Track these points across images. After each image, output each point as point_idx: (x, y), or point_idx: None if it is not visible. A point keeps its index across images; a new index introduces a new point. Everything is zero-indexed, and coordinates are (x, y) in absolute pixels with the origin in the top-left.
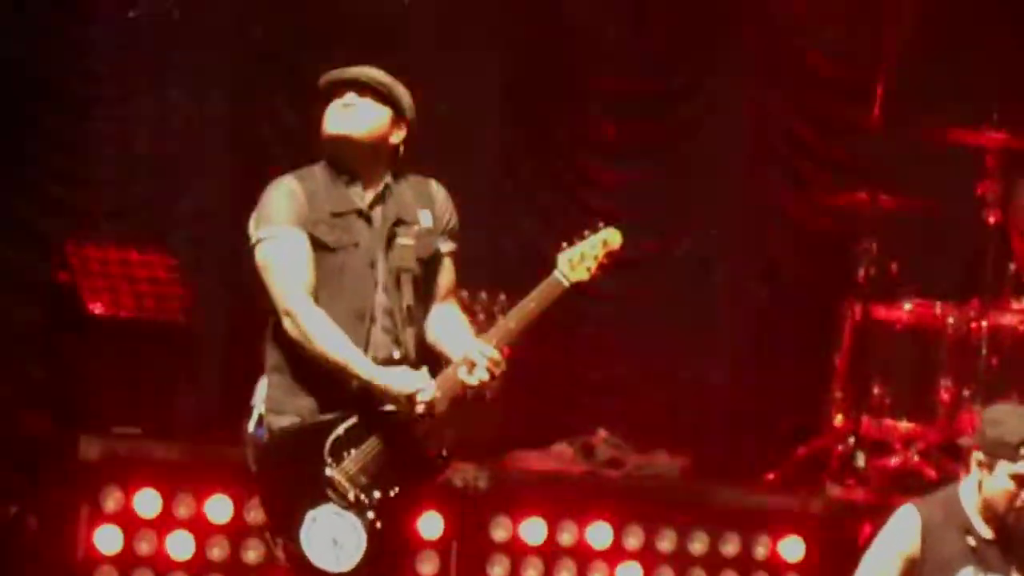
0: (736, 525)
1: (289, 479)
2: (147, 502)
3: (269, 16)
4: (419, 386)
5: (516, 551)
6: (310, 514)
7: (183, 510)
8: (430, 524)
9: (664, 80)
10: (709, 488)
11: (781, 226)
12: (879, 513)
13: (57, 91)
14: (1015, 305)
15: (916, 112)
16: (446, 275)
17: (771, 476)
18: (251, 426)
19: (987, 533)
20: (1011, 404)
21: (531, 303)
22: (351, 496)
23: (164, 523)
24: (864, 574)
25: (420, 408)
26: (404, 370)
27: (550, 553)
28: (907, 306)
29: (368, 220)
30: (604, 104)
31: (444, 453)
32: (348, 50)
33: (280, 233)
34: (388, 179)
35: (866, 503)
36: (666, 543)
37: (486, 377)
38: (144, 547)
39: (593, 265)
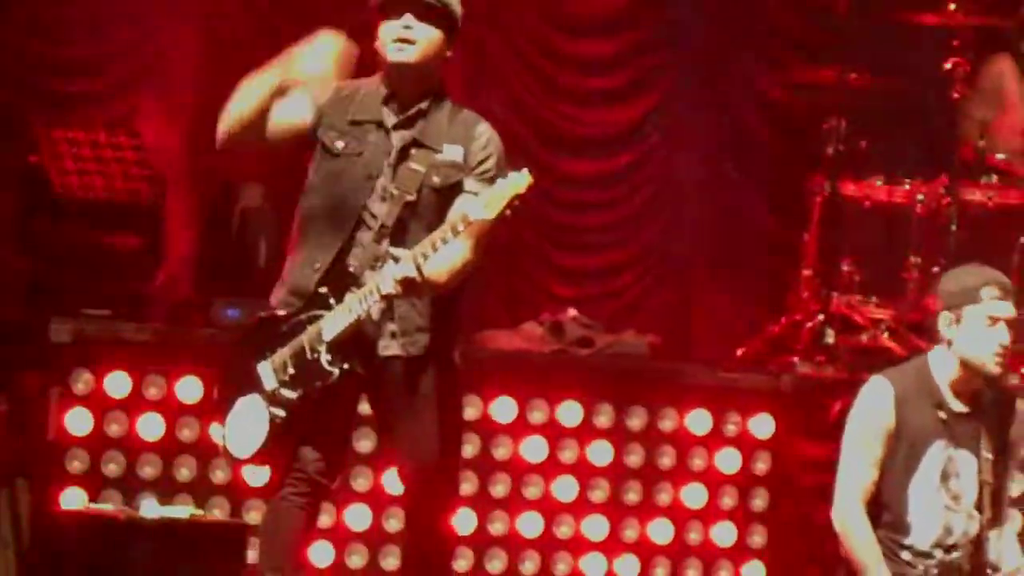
0: (706, 402)
1: (237, 365)
2: (117, 384)
3: None
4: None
5: (486, 430)
6: (240, 400)
7: (153, 391)
8: None
9: None
10: (679, 366)
11: (751, 103)
12: (849, 390)
13: None
14: (983, 181)
15: None
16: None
17: (740, 353)
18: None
19: (958, 407)
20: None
21: (440, 233)
22: (269, 388)
23: (134, 404)
24: (849, 454)
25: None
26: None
27: (520, 432)
28: (877, 183)
29: (386, 132)
30: None
31: (344, 367)
32: None
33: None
34: (426, 102)
35: (835, 380)
36: (636, 421)
37: (391, 289)
38: (115, 428)
39: (500, 206)
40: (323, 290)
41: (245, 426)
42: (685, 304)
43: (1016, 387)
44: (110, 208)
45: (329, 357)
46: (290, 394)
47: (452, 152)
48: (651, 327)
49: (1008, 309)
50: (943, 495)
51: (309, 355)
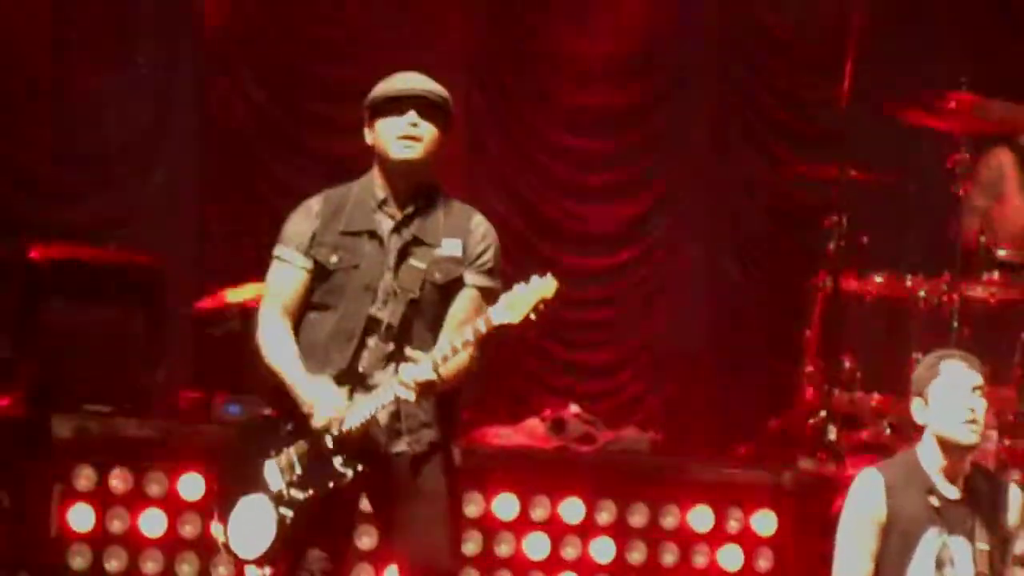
0: (708, 499)
1: (241, 464)
2: (119, 480)
3: None
4: (331, 410)
5: (488, 527)
6: (243, 500)
7: (155, 488)
8: None
9: (633, 49)
10: (681, 463)
11: (752, 201)
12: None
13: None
14: (985, 277)
15: (886, 83)
16: (463, 306)
17: (743, 450)
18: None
19: (949, 493)
20: None
21: (464, 336)
22: (276, 489)
23: (136, 501)
24: (843, 548)
25: (322, 421)
26: (331, 391)
27: (523, 529)
28: (878, 279)
29: (380, 241)
30: (572, 75)
31: (358, 468)
32: (315, 24)
33: (283, 254)
34: (422, 199)
35: (838, 477)
36: (638, 518)
37: (410, 397)
38: (117, 525)
39: (525, 310)
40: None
41: (250, 526)
42: (686, 400)
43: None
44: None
45: (342, 458)
46: (299, 495)
47: (451, 247)
48: (652, 423)
49: (971, 376)
50: None
51: (320, 456)
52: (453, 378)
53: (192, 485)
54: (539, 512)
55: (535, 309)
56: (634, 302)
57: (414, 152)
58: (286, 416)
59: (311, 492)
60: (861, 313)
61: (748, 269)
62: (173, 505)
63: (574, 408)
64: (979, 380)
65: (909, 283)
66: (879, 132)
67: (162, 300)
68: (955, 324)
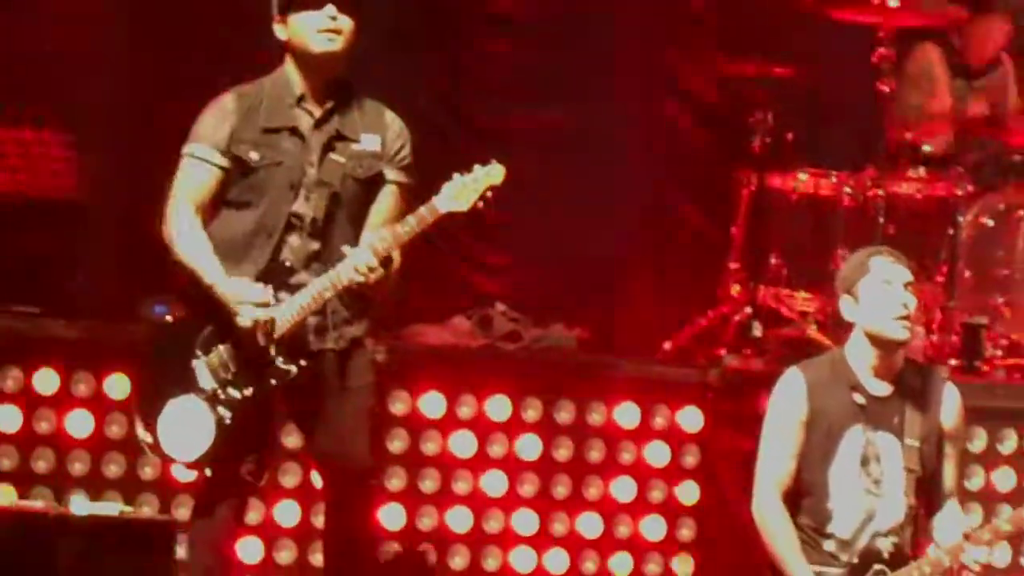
0: (634, 396)
1: (164, 364)
2: (46, 381)
3: None
4: (255, 298)
5: (415, 425)
6: (171, 401)
7: (82, 388)
8: None
9: None
10: (607, 360)
11: (676, 97)
12: (776, 383)
13: None
14: (911, 174)
15: None
16: (387, 203)
17: (668, 347)
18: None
19: (876, 390)
20: None
21: (406, 226)
22: (208, 388)
23: (63, 401)
24: (765, 447)
25: (248, 322)
26: (254, 289)
27: (449, 426)
28: (802, 176)
29: (301, 137)
30: None
31: (300, 363)
32: None
33: (197, 151)
34: (338, 96)
35: (763, 373)
36: (564, 415)
37: (358, 277)
38: (44, 426)
39: (474, 197)
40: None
41: (184, 427)
42: (612, 298)
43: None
44: (37, 205)
45: (283, 356)
46: (237, 393)
47: (370, 142)
48: (578, 321)
49: (902, 273)
50: (863, 480)
51: (256, 354)
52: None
53: (119, 385)
54: (465, 410)
55: (483, 196)
56: (558, 202)
57: (336, 45)
58: (208, 315)
59: (250, 391)
60: (786, 210)
61: (672, 167)
62: (100, 405)
63: (500, 306)
64: (909, 276)
65: (834, 180)
66: (802, 28)
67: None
68: (881, 221)
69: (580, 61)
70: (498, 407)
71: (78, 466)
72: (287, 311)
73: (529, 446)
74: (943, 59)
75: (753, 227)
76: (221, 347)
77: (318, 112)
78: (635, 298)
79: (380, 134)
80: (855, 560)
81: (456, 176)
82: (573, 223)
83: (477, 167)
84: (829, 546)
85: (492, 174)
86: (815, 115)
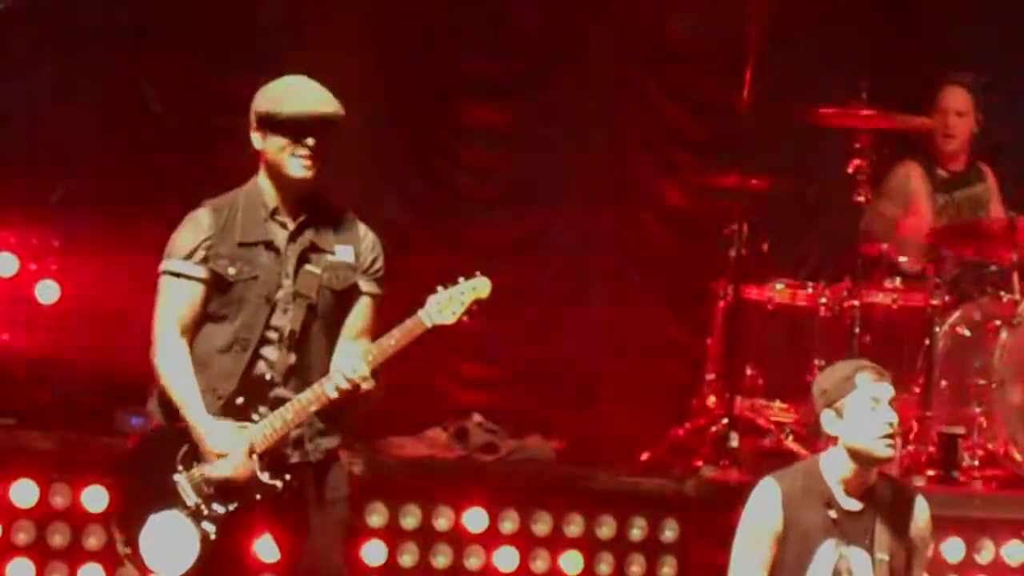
0: (611, 507)
1: (144, 478)
2: (24, 492)
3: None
4: (225, 450)
5: (393, 537)
6: (153, 516)
7: (59, 500)
8: None
9: (533, 62)
10: (584, 471)
11: (651, 208)
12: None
13: None
14: (887, 284)
15: (786, 91)
16: (361, 314)
17: (645, 458)
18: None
19: (849, 505)
20: None
21: (392, 339)
22: (192, 504)
23: (41, 513)
24: (737, 557)
25: (221, 473)
26: (227, 429)
27: (426, 538)
28: (779, 286)
29: (276, 251)
30: (473, 87)
31: (286, 478)
32: (218, 41)
33: (176, 267)
34: (311, 208)
35: (740, 484)
36: (542, 527)
37: (345, 385)
38: (22, 537)
39: (460, 311)
40: (240, 401)
41: (168, 542)
42: (589, 409)
43: (915, 486)
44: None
45: (268, 472)
46: (220, 509)
47: (344, 253)
48: (555, 432)
49: (887, 390)
50: None
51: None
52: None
53: (96, 497)
54: (442, 522)
55: (468, 310)
56: (533, 312)
57: (311, 172)
58: (186, 432)
59: (234, 506)
60: (762, 320)
61: (648, 278)
62: (77, 517)
63: (477, 417)
64: (893, 392)
65: (810, 290)
66: (778, 139)
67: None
68: (857, 331)
69: (554, 168)
70: (475, 519)
71: None
72: (269, 425)
73: (507, 558)
74: (924, 176)
75: (729, 338)
76: (203, 464)
77: (291, 225)
78: (612, 409)
79: (354, 245)
80: None
81: (440, 289)
82: (547, 333)
83: (462, 280)
84: None
85: (478, 288)
86: (791, 225)
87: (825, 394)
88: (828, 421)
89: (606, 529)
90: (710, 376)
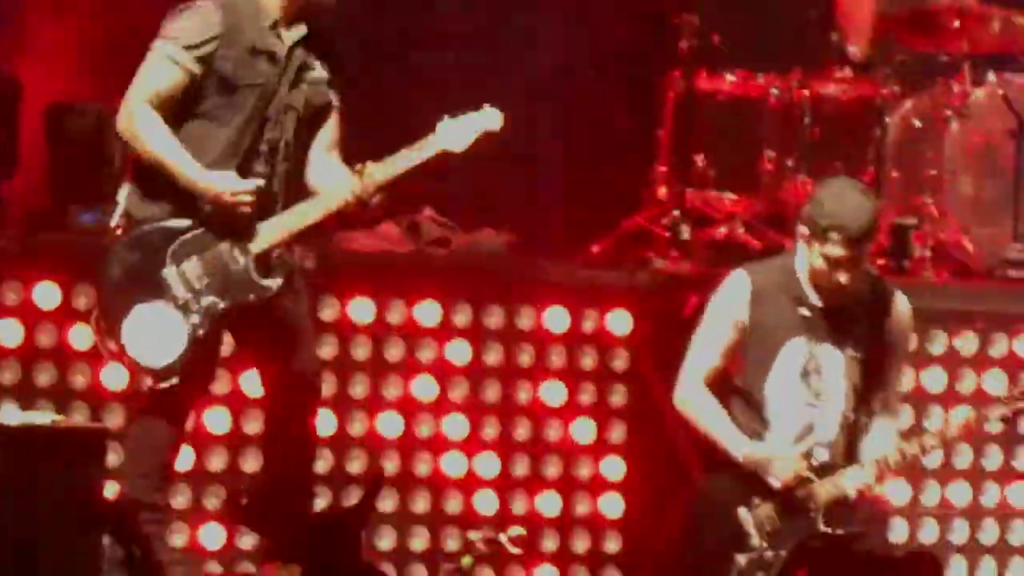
0: (563, 300)
1: (129, 273)
2: None
3: None
4: (241, 187)
5: (344, 331)
6: (138, 307)
7: (11, 297)
8: None
9: None
10: (535, 264)
11: (604, 1)
12: (704, 285)
13: None
14: (837, 74)
15: None
16: (333, 127)
17: (596, 250)
18: (112, 219)
19: (821, 302)
20: (846, 180)
21: (402, 159)
22: (181, 297)
23: None
24: (697, 340)
25: (239, 203)
26: (228, 174)
27: (379, 332)
28: (729, 77)
29: (276, 62)
30: None
31: (278, 282)
32: None
33: (172, 52)
34: (301, 24)
35: (691, 275)
36: (494, 319)
37: (359, 194)
38: None
39: (469, 140)
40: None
41: (154, 333)
42: (540, 202)
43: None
44: None
45: (258, 273)
46: (211, 304)
47: (321, 69)
48: (506, 225)
49: (851, 255)
50: (803, 391)
51: (233, 267)
52: None
53: (48, 294)
54: (395, 316)
55: (476, 139)
56: (482, 98)
57: None
58: (187, 226)
59: (227, 304)
60: (713, 112)
61: (599, 70)
62: (29, 315)
63: (428, 211)
64: (851, 253)
65: (761, 81)
66: None
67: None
68: (807, 122)
69: None
70: (428, 312)
71: (8, 375)
72: (271, 229)
73: (459, 351)
74: None
75: (680, 129)
76: (196, 257)
77: (290, 39)
78: (563, 202)
79: (328, 61)
80: None
81: (458, 116)
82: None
83: (472, 113)
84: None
85: (491, 120)
86: (743, 16)
87: (808, 218)
88: (801, 234)
89: (558, 321)
90: (661, 167)
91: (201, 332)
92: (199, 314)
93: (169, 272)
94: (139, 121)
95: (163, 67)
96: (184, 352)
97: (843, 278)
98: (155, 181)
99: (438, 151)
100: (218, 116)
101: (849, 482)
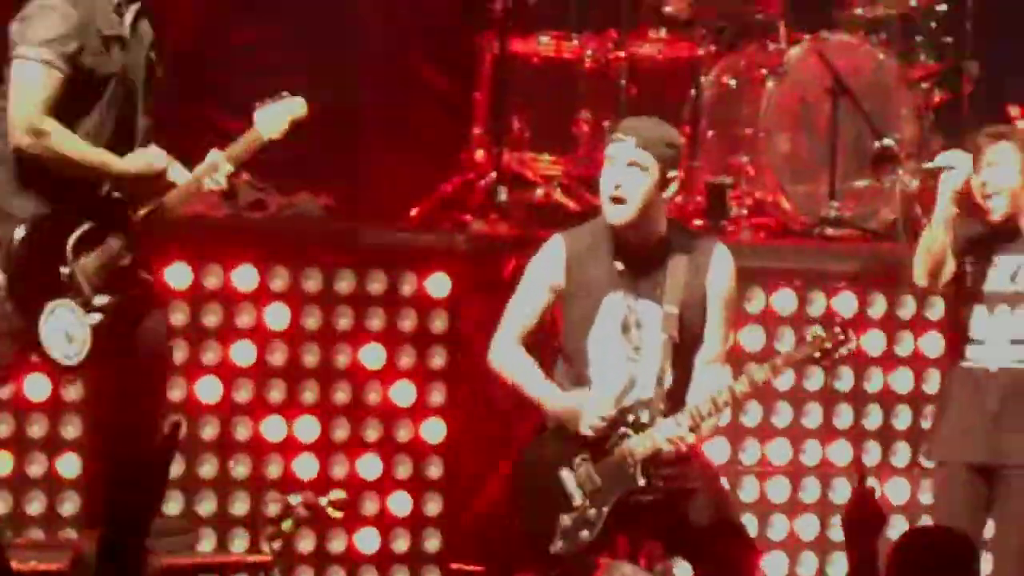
0: (381, 263)
1: (33, 271)
2: None
3: None
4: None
5: (162, 296)
6: (48, 305)
7: None
8: None
9: None
10: (353, 227)
11: None
12: (522, 246)
13: None
14: (652, 35)
15: None
16: (151, 91)
17: (414, 213)
18: None
19: (636, 256)
20: None
21: (238, 148)
22: (85, 293)
23: None
24: (514, 302)
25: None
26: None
27: (196, 298)
28: (544, 39)
29: (125, 47)
30: None
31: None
32: None
33: (45, 57)
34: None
35: (509, 237)
36: (312, 283)
37: (223, 183)
38: None
39: (284, 128)
40: (116, 195)
41: (64, 332)
42: (356, 165)
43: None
44: None
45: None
46: (104, 301)
47: (149, 38)
48: (323, 189)
49: (622, 147)
50: (624, 346)
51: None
52: None
53: None
54: (212, 280)
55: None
56: (295, 66)
57: None
58: (79, 220)
59: (116, 299)
60: (529, 74)
61: (413, 31)
62: None
63: (244, 175)
64: (632, 151)
65: (576, 43)
66: None
67: None
68: (623, 83)
69: None
70: (245, 277)
71: None
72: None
73: (278, 315)
74: None
75: (496, 92)
76: (93, 253)
77: (130, 16)
78: (379, 165)
79: (152, 31)
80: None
81: (259, 106)
82: (312, 89)
83: (281, 100)
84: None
85: (297, 108)
86: None
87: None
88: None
89: (377, 285)
90: (477, 130)
91: (104, 327)
92: (101, 311)
93: (70, 268)
94: (57, 136)
95: (44, 73)
96: (91, 349)
97: (612, 175)
98: (26, 173)
99: (266, 139)
100: (78, 107)
101: (662, 435)
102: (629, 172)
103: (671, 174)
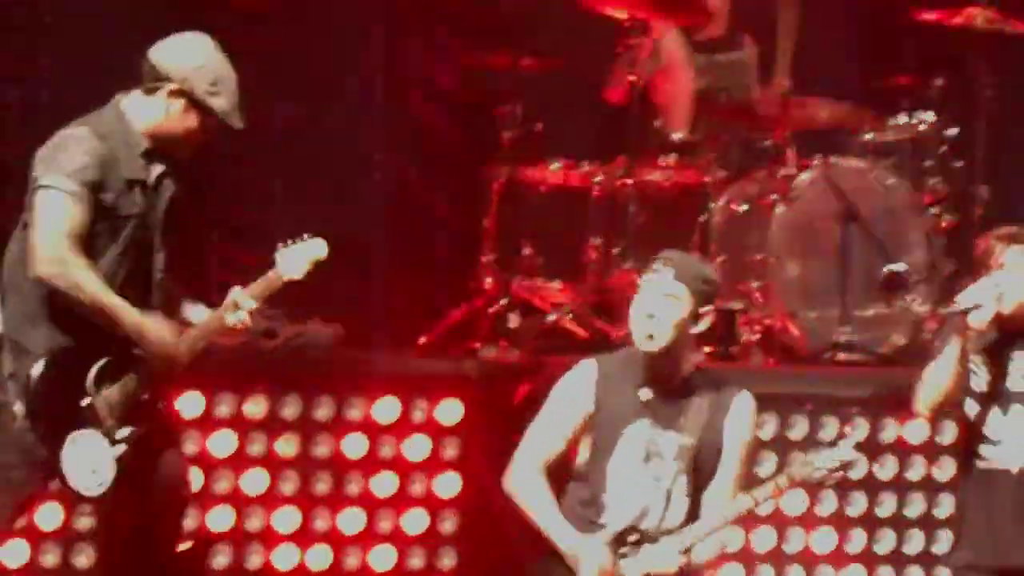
0: (393, 390)
1: (53, 404)
2: None
3: None
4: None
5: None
6: (71, 435)
7: None
8: None
9: None
10: (364, 355)
11: (421, 92)
12: (533, 373)
13: None
14: (660, 161)
15: None
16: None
17: (424, 341)
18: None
19: (661, 388)
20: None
21: (256, 289)
22: (106, 426)
23: None
24: (537, 425)
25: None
26: (162, 320)
27: (208, 426)
28: (553, 166)
29: (145, 190)
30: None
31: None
32: None
33: (70, 188)
34: (171, 159)
35: (519, 364)
36: (323, 411)
37: (245, 320)
38: None
39: (304, 268)
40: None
41: (87, 463)
42: (366, 294)
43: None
44: None
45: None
46: (124, 433)
47: (172, 190)
48: (333, 317)
49: (653, 277)
50: (644, 475)
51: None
52: None
53: None
54: (224, 409)
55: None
56: (312, 198)
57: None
58: (96, 349)
59: (132, 431)
60: (538, 201)
61: (421, 162)
62: None
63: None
64: (666, 283)
65: (585, 169)
66: (549, 20)
67: None
68: (631, 210)
69: (322, 54)
70: (257, 405)
71: None
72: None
73: (289, 444)
74: (684, 43)
75: (505, 219)
76: (113, 385)
77: (160, 168)
78: (389, 294)
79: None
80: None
81: (289, 244)
82: (322, 221)
83: (300, 241)
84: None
85: (317, 249)
86: (564, 105)
87: None
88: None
89: (389, 412)
90: (487, 258)
91: (126, 460)
92: (123, 443)
93: (91, 400)
94: (79, 270)
95: (69, 204)
96: (115, 482)
97: (644, 305)
98: (43, 304)
99: (284, 279)
100: (96, 246)
101: (652, 560)
102: (663, 303)
103: (704, 310)
